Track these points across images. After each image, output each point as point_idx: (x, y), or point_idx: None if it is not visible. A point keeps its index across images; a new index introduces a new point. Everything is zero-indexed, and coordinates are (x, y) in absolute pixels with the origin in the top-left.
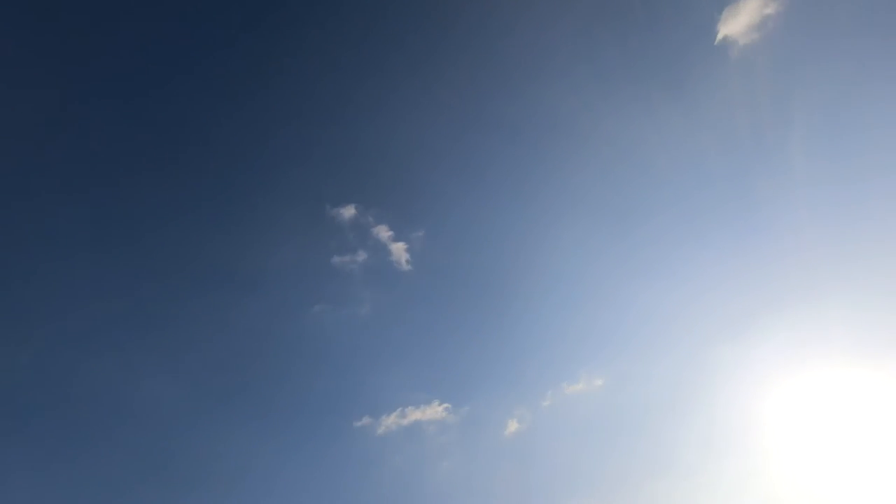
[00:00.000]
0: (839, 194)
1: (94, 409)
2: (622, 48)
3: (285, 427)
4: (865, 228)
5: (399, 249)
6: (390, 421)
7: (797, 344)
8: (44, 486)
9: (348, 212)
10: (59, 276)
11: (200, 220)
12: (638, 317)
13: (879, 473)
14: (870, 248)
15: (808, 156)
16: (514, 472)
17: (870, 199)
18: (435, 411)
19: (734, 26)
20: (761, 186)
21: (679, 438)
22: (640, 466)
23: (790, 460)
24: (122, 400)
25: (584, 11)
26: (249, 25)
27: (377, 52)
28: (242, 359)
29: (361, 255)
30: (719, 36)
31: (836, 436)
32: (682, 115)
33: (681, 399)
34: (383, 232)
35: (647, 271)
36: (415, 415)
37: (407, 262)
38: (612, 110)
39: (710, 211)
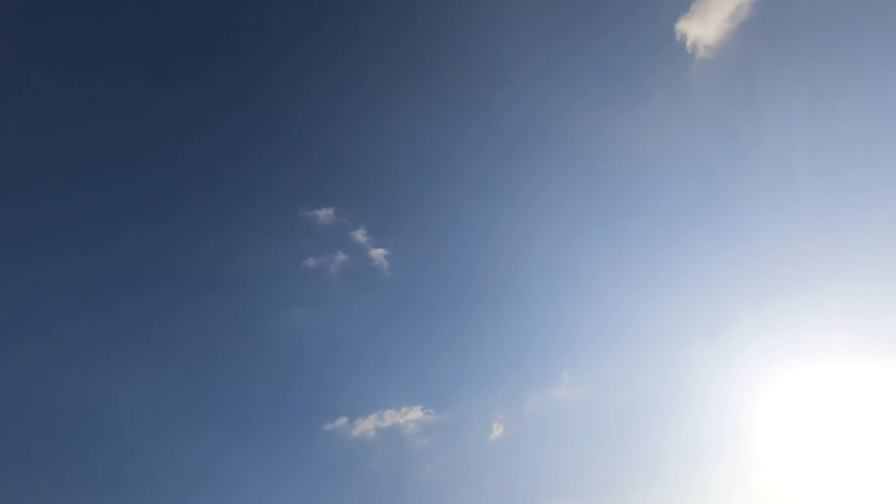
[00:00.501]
0: (813, 190)
1: (54, 412)
2: (590, 50)
3: (259, 432)
4: (847, 225)
5: (378, 253)
6: (368, 424)
7: (786, 347)
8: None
9: (326, 214)
10: (26, 279)
11: (176, 220)
12: (623, 319)
13: (875, 477)
14: (855, 246)
15: (785, 151)
16: (497, 478)
17: (850, 194)
18: (416, 415)
19: (700, 23)
20: (740, 183)
21: (668, 442)
22: (627, 471)
23: (784, 464)
24: (85, 403)
25: (559, 17)
26: (231, 25)
27: (361, 57)
28: (214, 361)
29: (340, 258)
30: (684, 32)
31: (830, 438)
32: (657, 115)
33: (669, 402)
34: (362, 235)
35: (631, 273)
36: (394, 418)
37: (387, 269)
38: (590, 114)
39: (690, 210)
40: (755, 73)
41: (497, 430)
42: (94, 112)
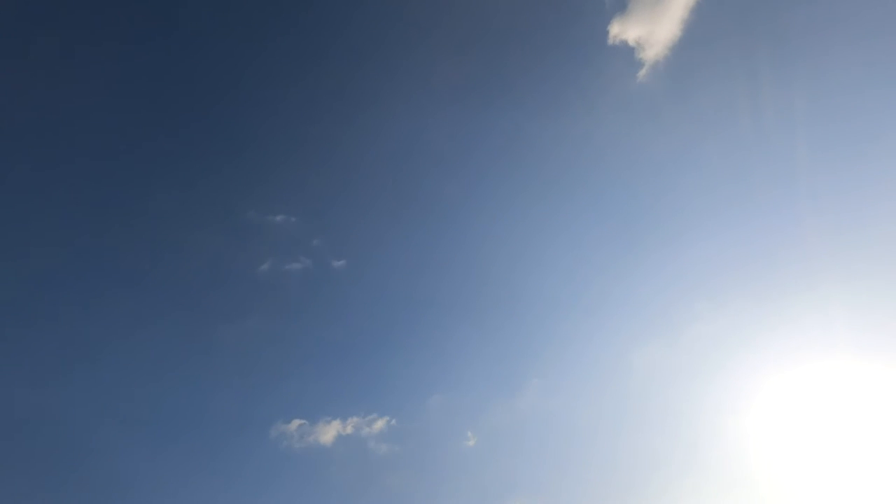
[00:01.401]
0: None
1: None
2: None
3: (212, 438)
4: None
5: (340, 260)
6: (330, 430)
7: (777, 347)
8: None
9: (288, 220)
10: None
11: (128, 221)
12: (598, 323)
13: (872, 483)
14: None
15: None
16: (466, 486)
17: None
18: (382, 422)
19: (634, 25)
20: (723, 184)
21: (655, 445)
22: (605, 477)
23: (776, 471)
24: (30, 409)
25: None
26: (196, 23)
27: (337, 61)
28: (165, 366)
29: (301, 264)
30: (621, 35)
31: (820, 437)
32: (619, 121)
33: (653, 408)
34: (322, 241)
35: (605, 276)
36: (359, 425)
37: (351, 276)
38: (562, 124)
39: (671, 212)
40: (709, 73)
41: (469, 441)
42: (43, 109)
